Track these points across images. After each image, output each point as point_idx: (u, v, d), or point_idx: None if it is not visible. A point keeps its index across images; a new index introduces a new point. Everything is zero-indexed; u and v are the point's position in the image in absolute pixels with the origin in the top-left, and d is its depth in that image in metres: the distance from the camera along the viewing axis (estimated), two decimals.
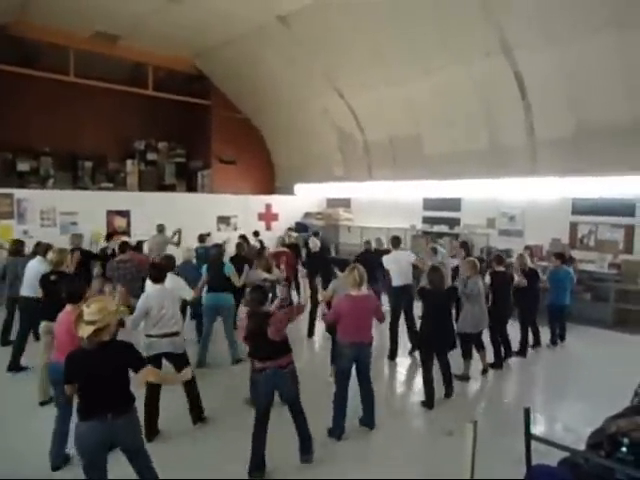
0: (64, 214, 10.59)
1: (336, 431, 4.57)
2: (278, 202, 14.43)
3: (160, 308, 4.55)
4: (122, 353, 3.17)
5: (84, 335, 3.00)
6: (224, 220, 13.12)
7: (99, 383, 3.02)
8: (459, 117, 10.25)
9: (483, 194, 10.60)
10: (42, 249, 6.40)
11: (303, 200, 14.97)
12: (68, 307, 4.07)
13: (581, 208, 9.30)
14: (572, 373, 6.56)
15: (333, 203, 14.64)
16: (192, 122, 15.56)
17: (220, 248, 7.28)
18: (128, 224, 11.53)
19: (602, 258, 8.94)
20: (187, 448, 4.40)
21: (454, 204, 11.42)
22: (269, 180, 16.24)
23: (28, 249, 7.56)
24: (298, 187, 15.13)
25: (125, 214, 11.56)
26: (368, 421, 4.78)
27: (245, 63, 12.93)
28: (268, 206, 14.14)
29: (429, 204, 12.03)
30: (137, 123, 14.81)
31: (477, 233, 10.73)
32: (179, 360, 4.60)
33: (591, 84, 8.22)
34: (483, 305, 6.15)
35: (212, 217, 12.77)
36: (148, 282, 5.04)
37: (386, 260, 7.10)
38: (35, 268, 5.99)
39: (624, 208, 8.68)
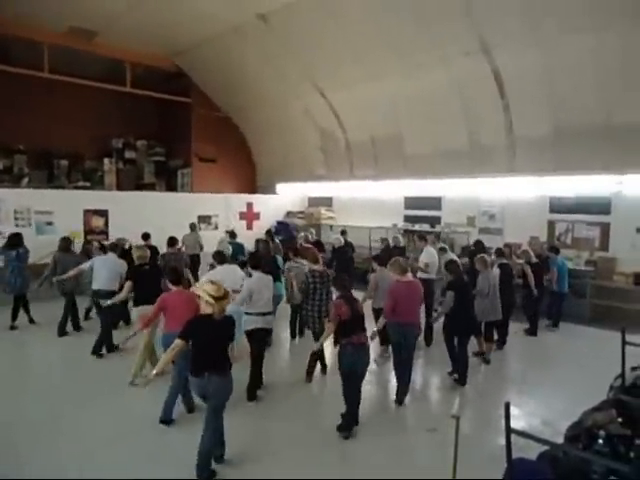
0: (39, 213, 10.32)
1: (400, 396, 5.34)
2: (259, 201, 14.32)
3: (259, 291, 5.38)
4: (230, 326, 3.90)
5: (215, 308, 3.76)
6: (205, 219, 12.96)
7: (209, 347, 3.75)
8: (439, 116, 10.32)
9: (463, 193, 10.72)
10: (115, 247, 7.45)
11: (285, 199, 14.90)
12: (175, 288, 5.07)
13: (558, 206, 9.47)
14: (550, 368, 6.68)
15: (315, 202, 14.62)
16: (171, 120, 15.36)
17: (268, 244, 8.15)
18: (106, 224, 11.29)
19: (579, 255, 9.12)
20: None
21: (435, 203, 11.51)
22: (250, 179, 16.13)
23: None
24: (280, 186, 15.07)
25: (103, 213, 11.32)
26: (400, 397, 5.38)
27: (225, 61, 12.81)
28: (249, 205, 14.02)
29: (410, 203, 12.11)
30: (115, 121, 14.55)
31: (458, 231, 10.83)
32: (268, 335, 5.68)
33: (568, 84, 8.37)
34: (492, 297, 6.60)
35: (193, 216, 12.59)
36: (220, 268, 6.37)
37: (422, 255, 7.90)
38: (114, 264, 6.87)
39: (599, 206, 8.86)
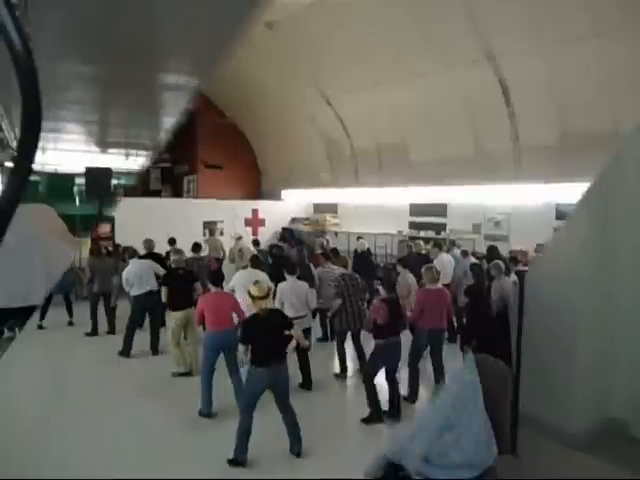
0: None
1: (411, 395, 5.57)
2: (265, 208, 14.35)
3: (288, 296, 5.81)
4: (281, 318, 4.39)
5: (261, 305, 4.24)
6: (210, 225, 12.99)
7: (267, 340, 4.13)
8: (445, 123, 10.32)
9: (469, 200, 10.68)
10: (134, 253, 7.56)
11: (290, 206, 14.93)
12: (214, 289, 5.30)
13: (565, 214, 9.39)
14: None
15: (320, 209, 14.63)
16: (177, 127, 15.43)
17: (302, 252, 8.28)
18: (112, 230, 11.36)
19: None
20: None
21: (440, 210, 11.48)
22: (256, 185, 16.19)
23: None
24: (286, 193, 15.11)
25: (109, 219, 11.39)
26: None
27: (232, 69, 12.87)
28: (255, 211, 14.05)
29: (415, 209, 12.08)
30: None
31: (463, 238, 10.78)
32: (306, 334, 5.86)
33: (574, 91, 8.34)
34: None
35: (198, 222, 12.65)
36: (243, 272, 6.64)
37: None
38: (140, 267, 7.07)
39: None
